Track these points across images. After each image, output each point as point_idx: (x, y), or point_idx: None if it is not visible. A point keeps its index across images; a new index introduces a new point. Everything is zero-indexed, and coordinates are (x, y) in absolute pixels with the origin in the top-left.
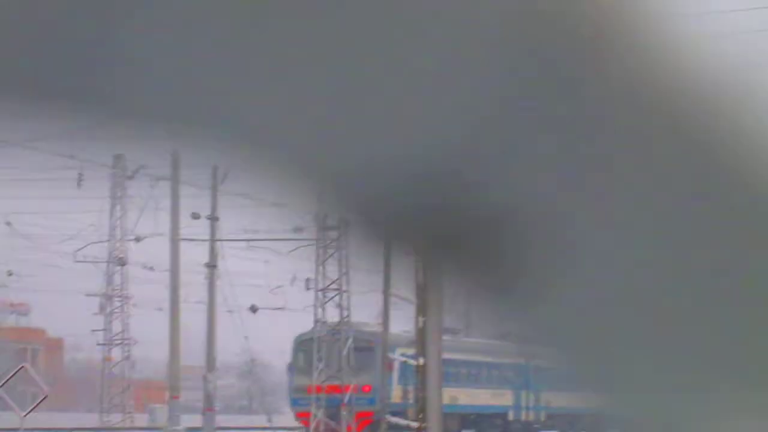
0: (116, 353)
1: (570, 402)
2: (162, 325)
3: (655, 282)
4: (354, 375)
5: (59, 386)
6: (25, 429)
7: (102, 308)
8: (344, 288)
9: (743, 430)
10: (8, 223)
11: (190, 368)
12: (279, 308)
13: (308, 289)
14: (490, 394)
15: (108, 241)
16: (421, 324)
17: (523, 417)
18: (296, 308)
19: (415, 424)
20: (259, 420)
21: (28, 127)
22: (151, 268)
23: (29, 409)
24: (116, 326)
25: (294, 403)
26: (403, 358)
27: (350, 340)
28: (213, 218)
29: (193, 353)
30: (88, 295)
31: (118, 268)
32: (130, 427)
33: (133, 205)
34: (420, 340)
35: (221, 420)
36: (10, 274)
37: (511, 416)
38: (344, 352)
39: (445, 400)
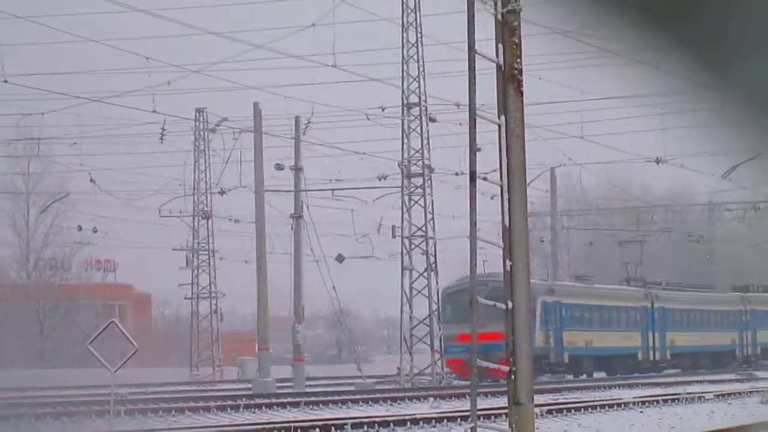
0: (204, 307)
1: (691, 342)
2: (249, 278)
3: None
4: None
5: (148, 341)
6: (116, 385)
7: (188, 262)
8: (430, 235)
9: None
10: (92, 180)
11: (279, 319)
12: (365, 257)
13: (394, 237)
14: (621, 336)
15: (192, 195)
16: (508, 267)
17: (650, 357)
18: (382, 257)
19: (505, 368)
20: (349, 369)
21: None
22: (237, 221)
23: (119, 365)
24: (203, 280)
25: (446, 351)
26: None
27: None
28: (297, 168)
29: (280, 304)
30: (174, 249)
31: (204, 221)
32: (221, 380)
33: (216, 158)
34: (507, 284)
35: (311, 370)
36: (95, 231)
37: (640, 356)
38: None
39: (581, 344)
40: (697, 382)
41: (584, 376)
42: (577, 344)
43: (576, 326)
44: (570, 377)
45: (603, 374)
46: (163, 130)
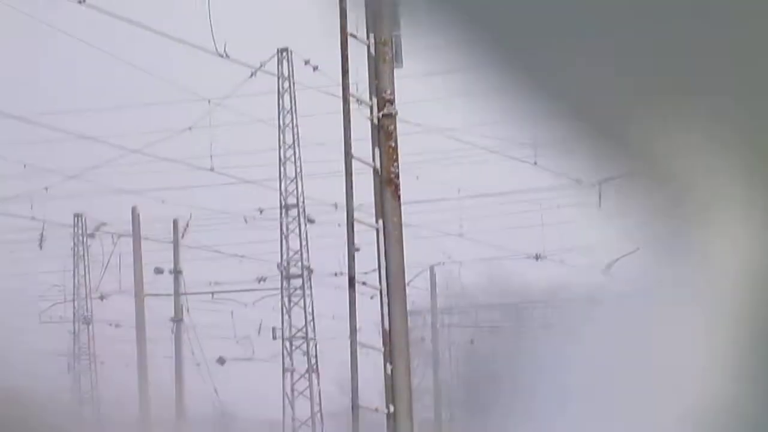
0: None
1: None
2: (131, 382)
3: None
4: None
5: None
6: None
7: (69, 368)
8: (310, 336)
9: None
10: None
11: (162, 423)
12: (246, 359)
13: (275, 338)
14: None
15: (72, 300)
16: (389, 371)
17: None
18: (263, 358)
19: None
20: None
21: None
22: (117, 326)
23: None
24: (85, 385)
25: None
26: None
27: None
28: (177, 272)
29: (164, 408)
30: (56, 355)
31: (84, 326)
32: None
33: (95, 263)
34: (388, 388)
35: None
36: None
37: None
38: None
39: None
40: None
41: None
42: None
43: None
44: None
45: None
46: (42, 236)
